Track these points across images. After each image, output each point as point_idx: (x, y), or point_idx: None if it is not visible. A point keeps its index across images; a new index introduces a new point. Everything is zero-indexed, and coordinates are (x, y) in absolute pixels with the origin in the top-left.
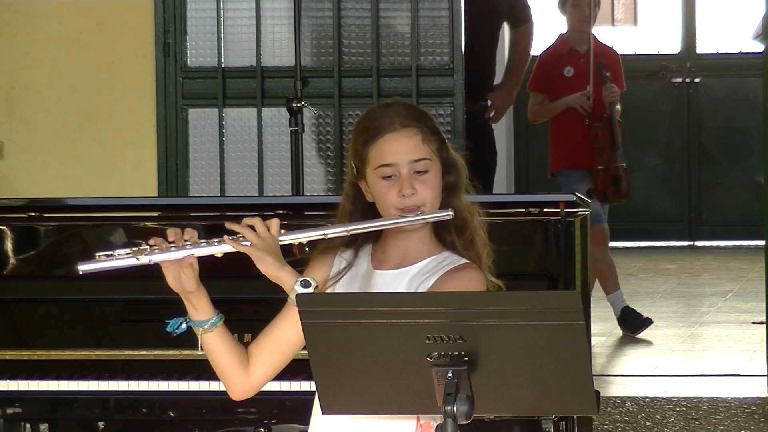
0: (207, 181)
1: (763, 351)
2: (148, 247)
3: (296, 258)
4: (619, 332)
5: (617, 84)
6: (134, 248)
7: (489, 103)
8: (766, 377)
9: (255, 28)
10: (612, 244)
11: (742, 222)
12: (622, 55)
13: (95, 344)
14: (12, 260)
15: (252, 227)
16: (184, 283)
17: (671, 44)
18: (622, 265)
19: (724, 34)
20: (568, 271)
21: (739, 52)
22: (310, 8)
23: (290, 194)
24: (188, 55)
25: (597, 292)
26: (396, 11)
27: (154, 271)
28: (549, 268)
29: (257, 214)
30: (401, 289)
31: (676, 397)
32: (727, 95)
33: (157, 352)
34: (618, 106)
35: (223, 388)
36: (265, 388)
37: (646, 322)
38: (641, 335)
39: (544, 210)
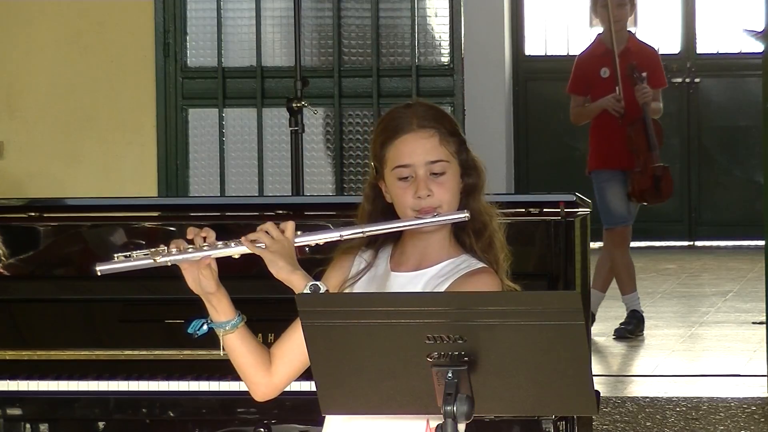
0: (207, 181)
1: (763, 351)
2: (165, 248)
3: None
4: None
5: (656, 82)
6: (152, 249)
7: None
8: (766, 377)
9: (255, 28)
10: (599, 245)
11: (742, 222)
12: None
13: (95, 344)
14: (12, 260)
15: (266, 232)
16: (204, 284)
17: (671, 44)
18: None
19: (724, 34)
20: (568, 271)
21: (739, 52)
22: (310, 8)
23: (290, 194)
24: (188, 55)
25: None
26: (396, 11)
27: (154, 271)
28: (549, 268)
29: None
30: (417, 290)
31: (676, 397)
32: (727, 95)
33: (157, 352)
34: (659, 104)
35: (222, 388)
36: None
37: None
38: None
39: (544, 210)
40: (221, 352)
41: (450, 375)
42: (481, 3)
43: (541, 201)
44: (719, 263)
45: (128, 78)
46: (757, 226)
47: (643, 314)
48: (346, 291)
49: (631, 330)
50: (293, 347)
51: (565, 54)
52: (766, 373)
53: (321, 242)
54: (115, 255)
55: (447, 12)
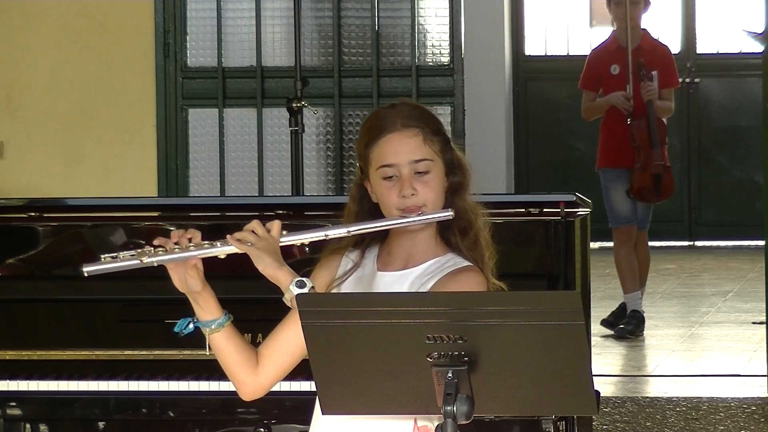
0: (207, 181)
1: (763, 351)
2: (152, 248)
3: (297, 259)
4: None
5: (667, 81)
6: (138, 250)
7: None
8: (766, 377)
9: (255, 28)
10: (612, 244)
11: (742, 222)
12: None
13: (95, 344)
14: (12, 260)
15: (252, 231)
16: (190, 283)
17: (671, 44)
18: None
19: (724, 34)
20: (568, 271)
21: (739, 52)
22: (310, 8)
23: (290, 194)
24: (188, 55)
25: (596, 293)
26: (396, 11)
27: (153, 271)
28: (549, 268)
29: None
30: (403, 290)
31: (676, 397)
32: (727, 95)
33: (157, 352)
34: (669, 104)
35: (222, 388)
36: None
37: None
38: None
39: (544, 210)
40: (207, 352)
41: (450, 375)
42: (481, 3)
43: (541, 201)
44: (719, 263)
45: (128, 78)
46: (757, 226)
47: (644, 315)
48: (334, 291)
49: (632, 330)
50: (281, 347)
51: (565, 54)
52: (766, 373)
53: (306, 241)
54: (102, 256)
55: (447, 12)
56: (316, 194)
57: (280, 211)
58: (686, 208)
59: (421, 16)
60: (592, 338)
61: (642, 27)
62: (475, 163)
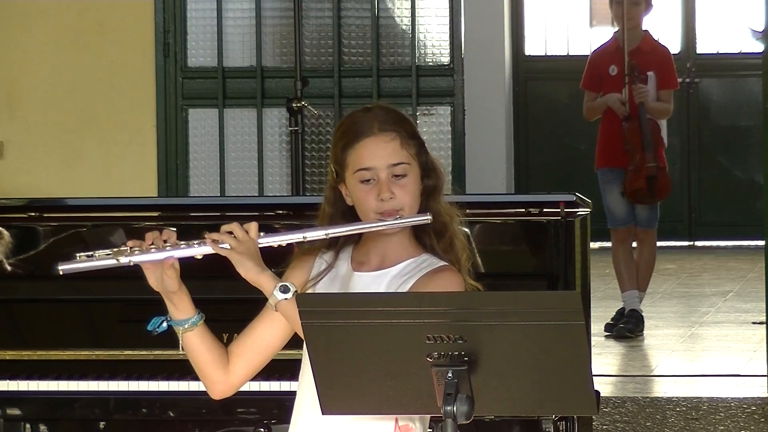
0: (207, 181)
1: (763, 351)
2: (128, 248)
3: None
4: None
5: (664, 83)
6: (114, 249)
7: None
8: (766, 377)
9: (255, 28)
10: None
11: (742, 222)
12: None
13: (95, 344)
14: (12, 260)
15: (230, 232)
16: (166, 283)
17: (671, 44)
18: None
19: (724, 34)
20: (568, 271)
21: (739, 52)
22: (310, 8)
23: (290, 194)
24: (188, 55)
25: (596, 293)
26: (396, 11)
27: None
28: (549, 268)
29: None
30: (380, 290)
31: (676, 397)
32: (727, 95)
33: (157, 352)
34: (666, 105)
35: None
36: (265, 388)
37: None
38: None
39: (544, 210)
40: (180, 350)
41: (450, 375)
42: (481, 3)
43: (541, 201)
44: (719, 263)
45: (128, 78)
46: (757, 226)
47: (643, 314)
48: (308, 291)
49: (631, 329)
50: (252, 346)
51: (565, 54)
52: (766, 373)
53: (284, 243)
54: (77, 255)
55: (447, 12)
56: (316, 194)
57: (280, 211)
58: (686, 208)
59: (421, 16)
60: (592, 338)
61: (644, 28)
62: (475, 163)
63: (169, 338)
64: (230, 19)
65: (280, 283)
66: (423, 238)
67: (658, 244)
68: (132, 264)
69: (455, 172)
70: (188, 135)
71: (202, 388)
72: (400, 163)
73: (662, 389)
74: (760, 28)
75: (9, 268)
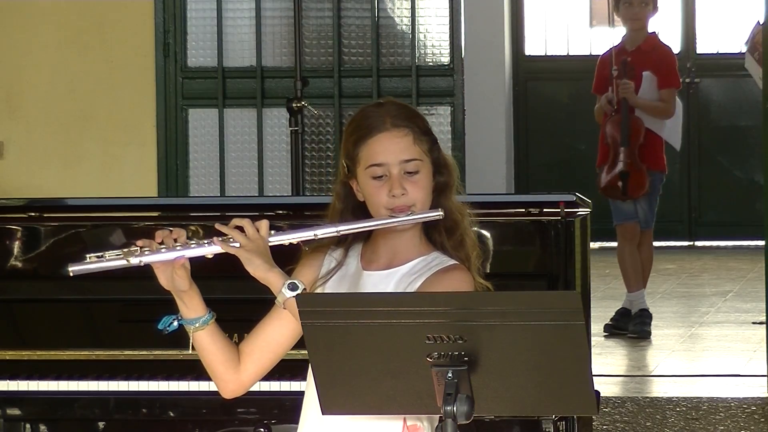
0: (207, 181)
1: (763, 351)
2: (138, 248)
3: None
4: (619, 332)
5: (664, 83)
6: (125, 249)
7: None
8: (766, 377)
9: (255, 28)
10: (612, 244)
11: (742, 222)
12: None
13: (95, 344)
14: (12, 260)
15: (241, 228)
16: (177, 282)
17: (671, 44)
18: None
19: (724, 34)
20: (568, 271)
21: (739, 52)
22: (310, 8)
23: (290, 194)
24: (188, 55)
25: (596, 293)
26: (396, 11)
27: (153, 272)
28: (549, 268)
29: (256, 214)
30: (389, 289)
31: (676, 397)
32: (727, 95)
33: (157, 352)
34: (662, 105)
35: None
36: (265, 388)
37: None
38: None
39: (544, 210)
40: (190, 350)
41: (450, 375)
42: (481, 3)
43: (541, 201)
44: (719, 263)
45: (128, 78)
46: (757, 226)
47: (651, 313)
48: (318, 290)
49: (648, 329)
50: (262, 345)
51: (565, 54)
52: (766, 373)
53: (295, 241)
54: (88, 255)
55: (447, 12)
56: (316, 194)
57: (280, 211)
58: (686, 208)
59: (421, 16)
60: (592, 338)
61: (650, 30)
62: (475, 163)
63: (169, 338)
64: (230, 19)
65: (289, 281)
66: (433, 235)
67: (658, 244)
68: (142, 264)
69: None
70: (188, 135)
71: (202, 388)
72: (412, 159)
73: (662, 389)
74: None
75: (9, 268)
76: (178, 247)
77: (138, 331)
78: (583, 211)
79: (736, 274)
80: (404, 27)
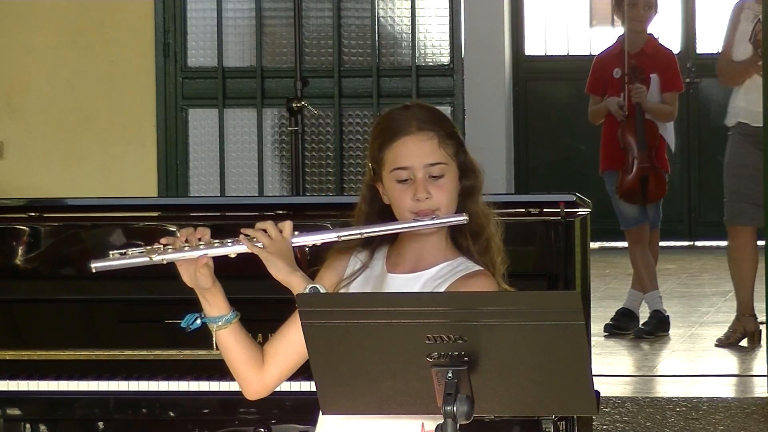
0: (207, 181)
1: (763, 351)
2: (161, 246)
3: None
4: (619, 332)
5: (669, 85)
6: (148, 247)
7: None
8: (766, 377)
9: (255, 28)
10: (612, 244)
11: None
12: None
13: (95, 344)
14: (12, 260)
15: (265, 231)
16: (200, 281)
17: (671, 44)
18: (623, 265)
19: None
20: (568, 271)
21: None
22: (310, 8)
23: (290, 194)
24: (188, 55)
25: (596, 293)
26: (396, 11)
27: (153, 272)
28: (549, 268)
29: (256, 214)
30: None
31: (676, 397)
32: (727, 95)
33: (157, 352)
34: (668, 107)
35: (222, 388)
36: None
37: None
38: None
39: (544, 210)
40: (214, 349)
41: (450, 375)
42: (481, 3)
43: (541, 201)
44: (719, 263)
45: (128, 78)
46: None
47: (667, 314)
48: (341, 291)
49: (650, 330)
50: (286, 346)
51: (565, 54)
52: (766, 373)
53: (318, 243)
54: (111, 252)
55: (447, 12)
56: (316, 194)
57: (280, 211)
58: (686, 208)
59: (421, 16)
60: (592, 338)
61: (649, 32)
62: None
63: (169, 338)
64: (230, 19)
65: (310, 285)
66: (459, 239)
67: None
68: (165, 262)
69: None
70: (188, 135)
71: (202, 388)
72: (437, 163)
73: (662, 389)
74: None
75: (9, 268)
76: (201, 246)
77: (138, 331)
78: (583, 211)
79: None
80: (404, 27)
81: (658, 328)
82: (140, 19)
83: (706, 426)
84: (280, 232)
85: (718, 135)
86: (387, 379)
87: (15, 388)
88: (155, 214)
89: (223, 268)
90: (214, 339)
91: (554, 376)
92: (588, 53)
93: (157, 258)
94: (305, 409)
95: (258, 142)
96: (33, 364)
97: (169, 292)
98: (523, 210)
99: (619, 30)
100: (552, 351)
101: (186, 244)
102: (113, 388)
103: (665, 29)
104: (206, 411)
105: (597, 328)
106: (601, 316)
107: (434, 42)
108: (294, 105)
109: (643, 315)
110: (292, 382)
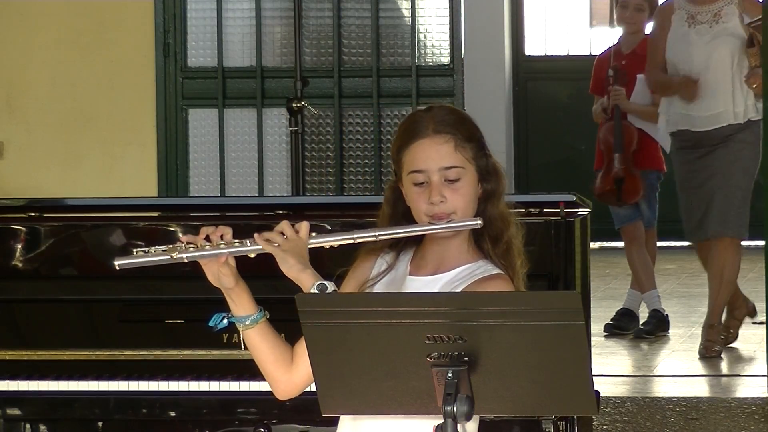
0: (207, 181)
1: (763, 351)
2: (183, 244)
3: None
4: (619, 332)
5: None
6: (170, 246)
7: None
8: (766, 377)
9: (255, 28)
10: (612, 244)
11: None
12: None
13: (95, 344)
14: (12, 260)
15: (281, 231)
16: (223, 280)
17: None
18: (623, 265)
19: None
20: (568, 271)
21: None
22: (310, 8)
23: (290, 194)
24: (188, 55)
25: (596, 293)
26: (396, 11)
27: (154, 272)
28: (549, 268)
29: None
30: None
31: (676, 397)
32: None
33: (157, 352)
34: (653, 109)
35: (222, 388)
36: (265, 388)
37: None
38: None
39: (544, 210)
40: (242, 349)
41: (450, 375)
42: (481, 3)
43: (541, 201)
44: None
45: (128, 78)
46: (757, 226)
47: (666, 314)
48: (366, 291)
49: (650, 330)
50: None
51: (565, 54)
52: (766, 373)
53: (335, 244)
54: (134, 250)
55: (447, 12)
56: (316, 194)
57: (280, 211)
58: None
59: (421, 16)
60: (592, 338)
61: (646, 32)
62: None
63: (169, 338)
64: (230, 19)
65: (318, 282)
66: (480, 243)
67: (658, 244)
68: (186, 261)
69: None
70: (188, 135)
71: (202, 388)
72: (453, 166)
73: (662, 389)
74: None
75: (9, 268)
76: (222, 245)
77: (138, 331)
78: (583, 211)
79: None
80: (404, 27)
81: (658, 327)
82: (140, 19)
83: (706, 426)
84: (297, 231)
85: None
86: (387, 379)
87: (15, 388)
88: (155, 214)
89: (249, 268)
90: (241, 337)
91: (554, 376)
92: (588, 53)
93: (178, 256)
94: (305, 409)
95: (258, 142)
96: (33, 364)
97: (170, 292)
98: (523, 210)
99: (618, 30)
100: (552, 351)
101: (207, 243)
102: (113, 388)
103: None
104: (206, 411)
105: (597, 328)
106: (601, 316)
107: (434, 42)
108: (294, 105)
109: (643, 315)
110: None
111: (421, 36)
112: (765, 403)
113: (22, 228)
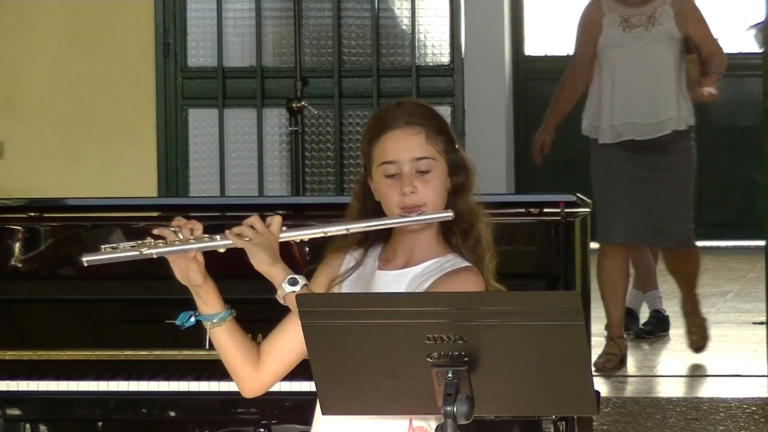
0: (207, 181)
1: (763, 351)
2: (152, 240)
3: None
4: None
5: None
6: (138, 242)
7: None
8: (766, 377)
9: (255, 28)
10: None
11: (742, 222)
12: None
13: (95, 344)
14: (12, 260)
15: (252, 225)
16: (191, 276)
17: None
18: None
19: (724, 34)
20: (568, 271)
21: (738, 52)
22: (310, 8)
23: (290, 194)
24: (188, 55)
25: (595, 293)
26: (396, 11)
27: (154, 272)
28: (549, 268)
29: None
30: (401, 290)
31: (676, 397)
32: (727, 95)
33: (157, 352)
34: None
35: (223, 388)
36: None
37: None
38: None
39: (544, 210)
40: (207, 347)
41: (450, 375)
42: (481, 3)
43: (541, 201)
44: (719, 263)
45: (128, 78)
46: (757, 226)
47: (666, 314)
48: (334, 289)
49: (651, 330)
50: (282, 345)
51: (565, 54)
52: (766, 373)
53: (306, 238)
54: (102, 246)
55: (447, 12)
56: (316, 194)
57: (280, 211)
58: None
59: (421, 16)
60: (592, 338)
61: None
62: (475, 163)
63: (169, 338)
64: (230, 19)
65: (289, 276)
66: (449, 236)
67: None
68: (155, 256)
69: None
70: (188, 135)
71: (202, 388)
72: (424, 157)
73: (662, 389)
74: (754, 21)
75: (9, 268)
76: (191, 241)
77: (138, 331)
78: (583, 211)
79: (736, 274)
80: (404, 27)
81: (658, 327)
82: (140, 19)
83: (706, 426)
84: (268, 226)
85: (718, 135)
86: (387, 379)
87: (15, 388)
88: (155, 214)
89: (220, 267)
90: (207, 335)
91: (554, 376)
92: None
93: (147, 252)
94: (305, 409)
95: (258, 142)
96: (33, 364)
97: (169, 292)
98: (523, 210)
99: None
100: (552, 351)
101: (176, 239)
102: (113, 388)
103: None
104: (206, 411)
105: (597, 328)
106: (601, 316)
107: (434, 42)
108: (294, 105)
109: (643, 315)
110: (292, 382)
111: (421, 36)
112: (765, 403)
113: (22, 228)
